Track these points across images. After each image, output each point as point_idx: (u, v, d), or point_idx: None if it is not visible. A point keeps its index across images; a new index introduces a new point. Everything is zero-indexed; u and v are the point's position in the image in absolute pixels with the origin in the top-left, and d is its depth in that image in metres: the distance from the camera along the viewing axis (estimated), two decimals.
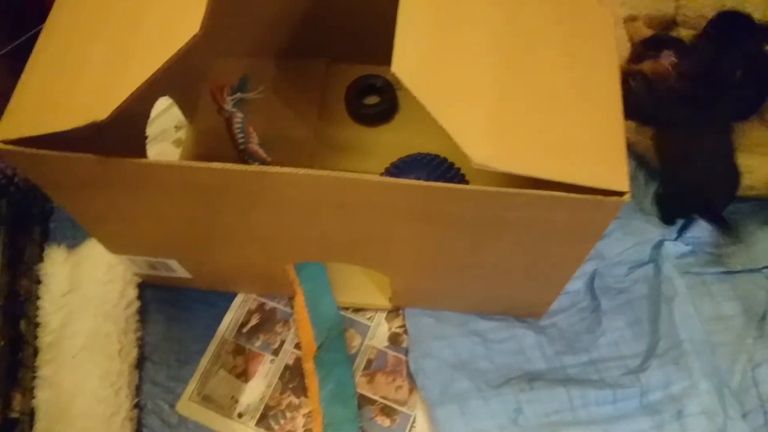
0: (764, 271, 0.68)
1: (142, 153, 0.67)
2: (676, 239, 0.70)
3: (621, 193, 0.41)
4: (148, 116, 0.66)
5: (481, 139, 0.41)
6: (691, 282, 0.67)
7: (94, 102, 0.42)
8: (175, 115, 0.79)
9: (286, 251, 0.58)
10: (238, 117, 0.77)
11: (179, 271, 0.64)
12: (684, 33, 0.77)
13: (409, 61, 0.42)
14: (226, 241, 0.57)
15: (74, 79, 0.44)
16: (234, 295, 0.69)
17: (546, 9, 0.47)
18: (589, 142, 0.43)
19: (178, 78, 0.72)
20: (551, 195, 0.42)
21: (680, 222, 0.70)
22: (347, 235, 0.53)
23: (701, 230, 0.70)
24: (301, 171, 0.44)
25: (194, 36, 0.41)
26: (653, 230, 0.69)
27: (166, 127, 0.79)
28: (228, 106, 0.78)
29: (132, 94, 0.40)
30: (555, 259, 0.53)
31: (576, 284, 0.68)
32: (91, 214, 0.55)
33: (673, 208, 0.70)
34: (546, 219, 0.46)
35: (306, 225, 0.52)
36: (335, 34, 0.77)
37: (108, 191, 0.50)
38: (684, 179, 0.67)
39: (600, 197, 0.42)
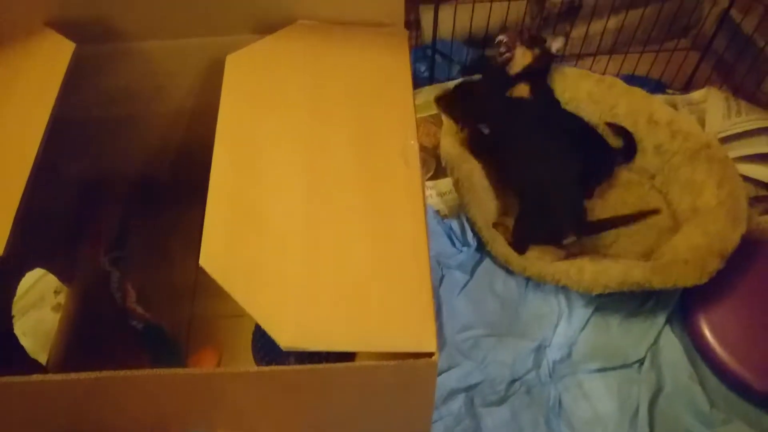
0: (635, 366, 0.71)
1: (9, 334, 0.66)
2: (551, 342, 0.72)
3: (430, 354, 0.43)
4: (12, 296, 0.66)
5: (290, 321, 0.43)
6: (567, 384, 0.69)
7: None
8: (53, 280, 0.78)
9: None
10: (115, 276, 0.77)
11: None
12: None
13: (217, 253, 0.45)
14: None
15: None
16: None
17: (353, 177, 0.50)
18: (398, 309, 0.45)
19: (42, 252, 0.73)
20: (366, 365, 0.44)
21: (555, 322, 0.73)
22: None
23: (577, 329, 0.73)
24: (130, 373, 0.45)
25: None
26: (530, 342, 0.72)
27: (45, 293, 0.78)
28: (105, 266, 0.79)
29: None
30: (406, 406, 0.54)
31: (456, 404, 0.69)
32: None
33: (524, 234, 0.76)
34: (377, 382, 0.47)
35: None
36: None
37: None
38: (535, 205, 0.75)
39: (411, 360, 0.43)
